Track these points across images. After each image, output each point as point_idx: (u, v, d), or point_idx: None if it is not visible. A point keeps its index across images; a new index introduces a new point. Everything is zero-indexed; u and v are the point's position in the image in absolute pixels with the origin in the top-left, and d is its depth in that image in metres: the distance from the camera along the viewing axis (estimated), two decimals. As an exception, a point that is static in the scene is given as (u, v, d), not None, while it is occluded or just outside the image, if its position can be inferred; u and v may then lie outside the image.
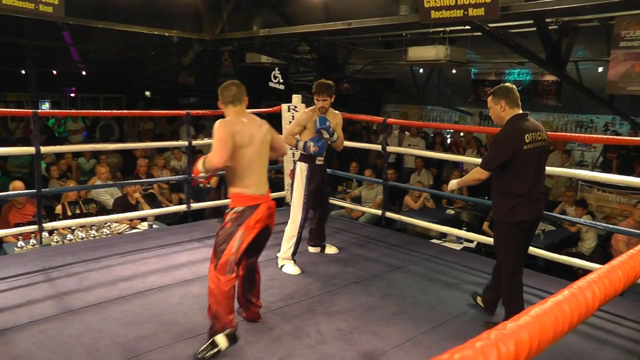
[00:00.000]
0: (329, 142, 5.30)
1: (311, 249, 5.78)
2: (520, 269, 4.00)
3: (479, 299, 4.40)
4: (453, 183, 4.39)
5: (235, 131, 3.52)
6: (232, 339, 3.54)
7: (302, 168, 5.29)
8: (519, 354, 1.00)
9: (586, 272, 4.57)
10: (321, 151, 5.14)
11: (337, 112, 5.61)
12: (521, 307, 3.89)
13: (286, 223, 5.29)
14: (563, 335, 1.17)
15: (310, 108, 5.40)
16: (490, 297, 4.27)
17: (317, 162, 5.33)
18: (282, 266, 5.15)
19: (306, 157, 5.27)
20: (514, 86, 3.90)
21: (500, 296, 4.15)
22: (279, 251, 5.23)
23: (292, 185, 5.38)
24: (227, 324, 3.53)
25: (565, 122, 13.07)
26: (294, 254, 5.21)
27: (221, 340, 3.49)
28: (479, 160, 4.08)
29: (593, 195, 10.00)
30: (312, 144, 5.06)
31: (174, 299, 4.37)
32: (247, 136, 3.57)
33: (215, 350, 3.45)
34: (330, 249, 5.81)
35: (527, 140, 3.70)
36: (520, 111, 3.85)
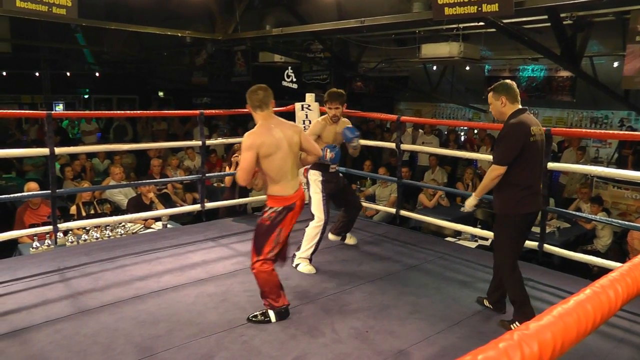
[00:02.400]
0: (351, 149, 5.45)
1: (331, 237, 5.84)
2: (517, 261, 4.07)
3: (486, 302, 4.36)
4: (471, 201, 4.27)
5: (260, 144, 3.79)
6: (281, 315, 4.01)
7: (315, 175, 5.31)
8: (542, 354, 0.98)
9: (602, 269, 4.55)
10: (337, 159, 5.18)
11: (347, 119, 5.64)
12: (527, 299, 3.99)
13: (304, 222, 5.26)
14: (586, 335, 1.14)
15: (322, 117, 5.48)
16: (498, 297, 4.27)
17: (330, 171, 5.39)
18: (297, 265, 5.14)
19: (319, 165, 5.27)
20: (514, 83, 4.01)
21: (503, 293, 4.20)
22: (297, 249, 5.21)
23: (307, 185, 5.38)
24: (275, 304, 3.99)
25: (580, 118, 12.97)
26: (312, 253, 5.19)
27: (272, 315, 4.00)
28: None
29: (608, 192, 9.91)
30: (328, 150, 5.06)
31: (189, 298, 4.38)
32: (273, 145, 3.83)
33: (266, 320, 3.98)
34: (350, 240, 5.89)
35: (532, 133, 3.81)
36: (520, 106, 3.94)
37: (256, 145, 3.78)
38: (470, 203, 4.27)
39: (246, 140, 3.81)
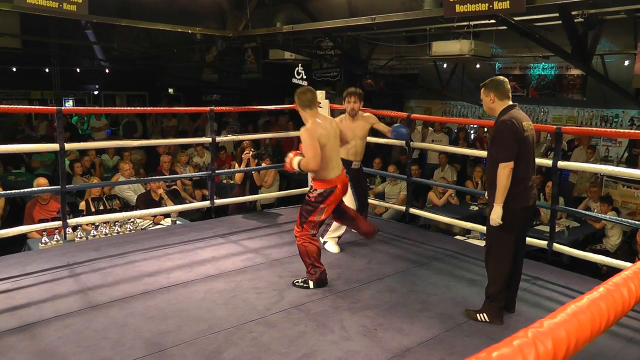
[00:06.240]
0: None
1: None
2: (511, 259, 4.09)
3: None
4: (497, 211, 3.97)
5: (319, 135, 4.40)
6: (319, 284, 4.59)
7: None
8: (557, 352, 0.97)
9: (611, 269, 4.51)
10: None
11: (367, 114, 5.82)
12: (503, 298, 4.06)
13: None
14: (600, 333, 1.13)
15: (340, 116, 5.76)
16: (507, 296, 4.23)
17: (353, 167, 5.67)
18: (324, 242, 5.50)
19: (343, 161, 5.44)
20: (506, 79, 4.11)
21: (512, 291, 4.22)
22: (325, 231, 5.59)
23: None
24: (314, 275, 4.56)
25: (590, 117, 12.88)
26: (341, 234, 5.61)
27: (311, 283, 4.59)
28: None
29: (618, 191, 9.84)
30: None
31: (198, 295, 4.39)
32: (325, 135, 4.46)
33: (305, 286, 4.59)
34: None
35: (525, 128, 3.88)
36: (511, 102, 4.02)
37: (317, 135, 4.38)
38: (497, 214, 3.97)
39: (306, 133, 4.39)
